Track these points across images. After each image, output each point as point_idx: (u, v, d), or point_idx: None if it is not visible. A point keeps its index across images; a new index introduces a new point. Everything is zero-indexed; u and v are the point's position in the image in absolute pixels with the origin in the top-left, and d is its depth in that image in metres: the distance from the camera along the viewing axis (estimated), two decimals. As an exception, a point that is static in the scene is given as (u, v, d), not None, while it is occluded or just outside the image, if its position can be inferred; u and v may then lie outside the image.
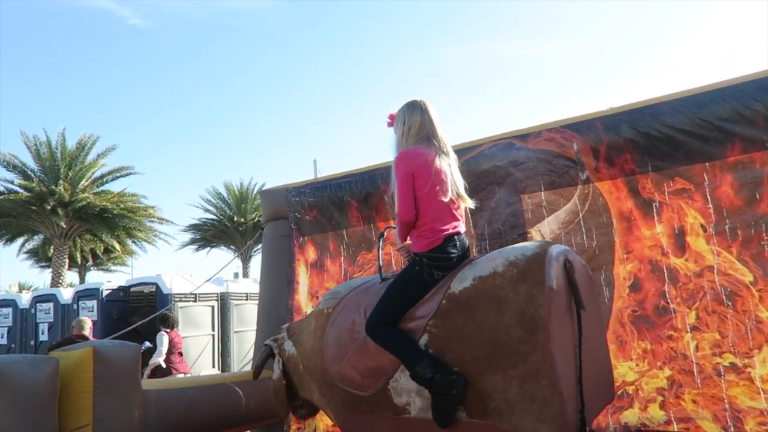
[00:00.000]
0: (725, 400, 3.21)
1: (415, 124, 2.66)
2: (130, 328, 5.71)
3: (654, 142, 3.53)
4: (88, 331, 5.65)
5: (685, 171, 3.49)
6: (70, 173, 19.37)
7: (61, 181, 18.51)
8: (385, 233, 3.03)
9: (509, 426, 2.21)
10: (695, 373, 3.33)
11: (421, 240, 2.54)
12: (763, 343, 3.18)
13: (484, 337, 2.27)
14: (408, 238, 2.63)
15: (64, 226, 18.81)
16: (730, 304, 3.29)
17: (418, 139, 2.64)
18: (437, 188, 2.53)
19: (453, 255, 2.53)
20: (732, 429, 3.15)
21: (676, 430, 3.29)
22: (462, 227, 2.64)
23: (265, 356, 3.26)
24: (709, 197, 3.43)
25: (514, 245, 2.53)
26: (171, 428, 3.48)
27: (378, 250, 2.97)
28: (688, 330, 3.39)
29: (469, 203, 2.71)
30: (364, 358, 2.61)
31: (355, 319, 2.71)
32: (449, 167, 2.63)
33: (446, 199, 2.55)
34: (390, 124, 2.83)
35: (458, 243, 2.57)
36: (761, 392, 3.13)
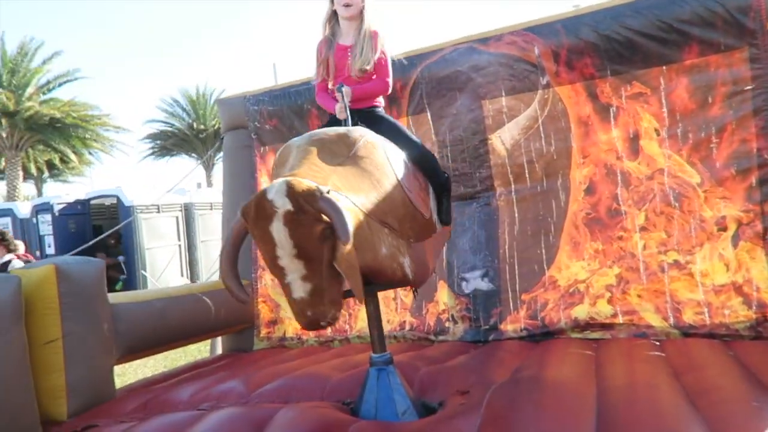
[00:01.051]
0: (667, 293, 3.45)
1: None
2: (87, 245, 5.66)
3: (614, 46, 3.51)
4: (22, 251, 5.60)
5: (643, 75, 3.51)
6: (13, 80, 18.28)
7: (1, 90, 17.49)
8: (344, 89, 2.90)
9: None
10: (641, 270, 3.53)
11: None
12: (704, 241, 3.37)
13: None
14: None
15: (4, 136, 18.00)
16: (677, 205, 3.45)
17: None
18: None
19: None
20: (671, 319, 3.41)
21: (621, 321, 3.54)
22: None
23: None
24: (664, 101, 3.48)
25: None
26: (141, 339, 3.58)
27: (344, 102, 2.84)
28: (637, 230, 3.56)
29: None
30: (417, 182, 2.73)
31: (392, 150, 2.62)
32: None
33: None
34: None
35: None
36: (700, 285, 3.36)
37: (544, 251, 3.79)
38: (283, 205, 1.90)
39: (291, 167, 2.22)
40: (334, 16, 2.93)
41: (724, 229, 3.34)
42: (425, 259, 2.73)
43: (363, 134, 2.46)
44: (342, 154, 2.34)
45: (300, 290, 1.95)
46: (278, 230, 1.91)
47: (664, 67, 3.45)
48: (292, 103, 4.70)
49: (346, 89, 2.78)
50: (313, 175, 2.11)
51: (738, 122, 3.30)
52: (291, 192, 1.90)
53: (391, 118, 3.01)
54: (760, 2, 3.19)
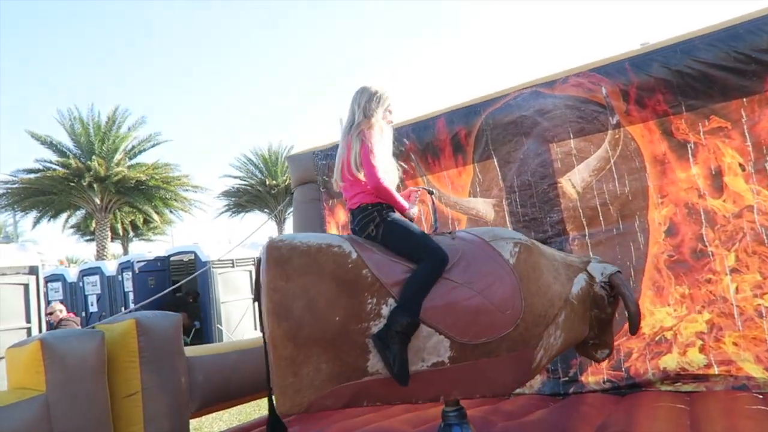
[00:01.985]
0: (767, 341, 3.16)
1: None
2: (162, 293, 5.89)
3: (687, 80, 3.38)
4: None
5: (721, 108, 3.34)
6: (104, 148, 19.79)
7: (94, 157, 18.95)
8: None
9: None
10: (736, 316, 3.27)
11: None
12: (806, 282, 3.09)
13: None
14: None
15: (99, 202, 19.36)
16: (771, 244, 3.20)
17: None
18: None
19: None
20: (775, 369, 3.10)
21: (716, 372, 3.26)
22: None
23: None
24: (747, 134, 3.28)
25: None
26: (216, 391, 3.62)
27: (433, 204, 3.07)
28: (728, 272, 3.31)
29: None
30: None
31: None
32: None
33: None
34: None
35: None
36: (805, 332, 3.06)
37: (624, 297, 3.59)
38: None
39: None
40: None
41: (828, 268, 3.05)
42: None
43: None
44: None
45: None
46: None
47: (744, 99, 3.28)
48: (359, 155, 4.79)
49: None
50: None
51: (833, 152, 3.06)
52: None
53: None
54: None
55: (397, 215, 2.66)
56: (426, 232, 2.71)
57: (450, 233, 2.77)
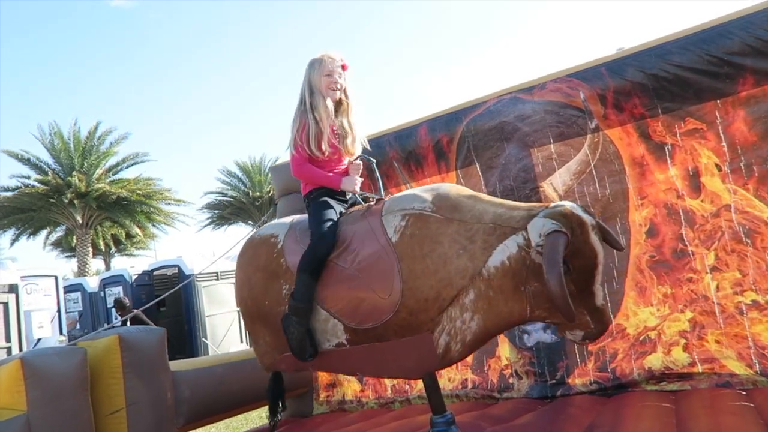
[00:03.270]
0: (749, 338, 3.20)
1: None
2: (149, 304, 5.83)
3: (662, 84, 3.44)
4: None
5: (696, 110, 3.40)
6: (84, 164, 19.58)
7: (74, 173, 18.74)
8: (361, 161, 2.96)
9: None
10: (717, 314, 3.31)
11: None
12: (784, 279, 3.14)
13: None
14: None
15: (80, 219, 19.14)
16: (749, 241, 3.25)
17: None
18: None
19: None
20: (757, 365, 3.15)
21: (700, 370, 3.30)
22: None
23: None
24: (722, 135, 3.35)
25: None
26: (202, 406, 3.58)
27: (375, 171, 3.08)
28: (708, 271, 3.36)
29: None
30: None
31: None
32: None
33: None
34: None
35: None
36: (785, 328, 3.11)
37: (608, 298, 3.62)
38: (591, 220, 2.17)
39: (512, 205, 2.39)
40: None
41: (805, 264, 3.11)
42: None
43: None
44: None
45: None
46: (597, 241, 2.15)
47: (718, 101, 3.34)
48: (341, 164, 4.79)
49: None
50: None
51: (806, 151, 3.13)
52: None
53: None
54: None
55: (324, 198, 2.73)
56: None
57: (379, 200, 2.75)
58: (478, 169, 4.19)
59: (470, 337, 2.30)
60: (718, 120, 3.35)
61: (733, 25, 3.23)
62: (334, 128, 2.84)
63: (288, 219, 3.11)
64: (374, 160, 3.07)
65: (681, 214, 3.46)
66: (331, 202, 2.75)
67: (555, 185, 3.87)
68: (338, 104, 2.88)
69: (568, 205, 2.19)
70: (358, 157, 2.96)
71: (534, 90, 3.93)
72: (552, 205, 2.22)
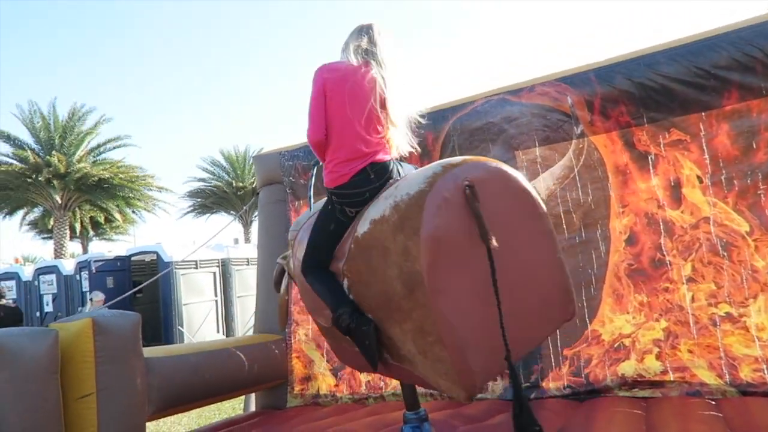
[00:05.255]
0: (720, 349, 3.25)
1: (352, 45, 2.37)
2: (123, 296, 5.74)
3: (649, 93, 3.47)
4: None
5: (681, 122, 3.44)
6: (64, 144, 19.24)
7: (54, 152, 18.40)
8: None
9: (420, 374, 2.12)
10: (691, 324, 3.35)
11: (330, 175, 2.35)
12: (758, 292, 3.19)
13: (379, 288, 2.11)
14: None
15: (59, 200, 18.81)
16: (725, 254, 3.29)
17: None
18: (349, 110, 2.23)
19: (364, 189, 2.30)
20: (727, 376, 3.19)
21: (672, 378, 3.34)
22: (384, 155, 2.35)
23: (279, 271, 3.21)
24: (705, 148, 3.38)
25: (418, 172, 2.24)
26: (174, 394, 3.54)
27: (310, 179, 2.84)
28: (684, 282, 3.40)
29: (400, 127, 2.37)
30: (308, 296, 2.55)
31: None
32: (381, 87, 2.28)
33: (361, 124, 2.26)
34: None
35: (373, 173, 2.29)
36: (756, 340, 3.16)
37: (585, 304, 3.65)
38: None
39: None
40: None
41: (779, 279, 3.16)
42: None
43: None
44: None
45: None
46: None
47: (703, 114, 3.38)
48: (327, 157, 4.76)
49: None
50: None
51: (785, 168, 3.18)
52: None
53: (316, 216, 2.64)
54: (801, 46, 3.12)
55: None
56: None
57: None
58: (464, 169, 4.18)
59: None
60: (702, 132, 3.39)
61: (722, 39, 3.26)
62: None
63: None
64: (313, 170, 2.92)
65: (661, 223, 3.50)
66: None
67: (538, 189, 3.88)
68: None
69: None
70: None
71: (522, 92, 3.94)
72: None
